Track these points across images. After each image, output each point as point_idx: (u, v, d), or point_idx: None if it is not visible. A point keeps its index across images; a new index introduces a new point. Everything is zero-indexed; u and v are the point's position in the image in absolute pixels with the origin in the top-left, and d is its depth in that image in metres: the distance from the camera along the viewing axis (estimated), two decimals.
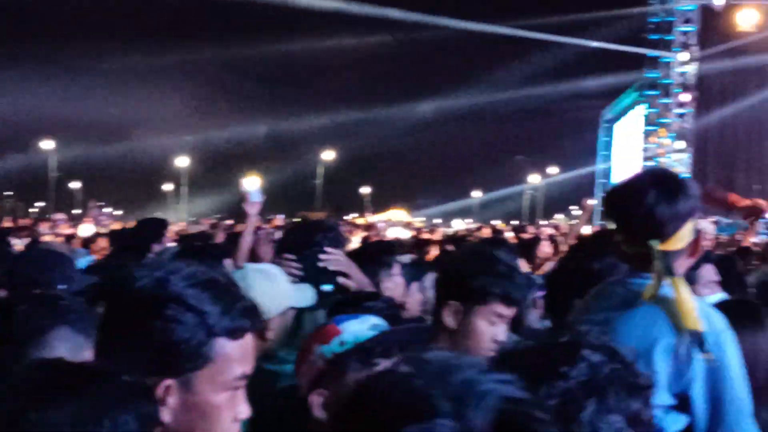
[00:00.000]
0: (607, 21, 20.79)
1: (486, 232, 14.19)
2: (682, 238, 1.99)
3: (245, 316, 1.30)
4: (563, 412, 1.10)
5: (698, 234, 2.05)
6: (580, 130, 31.33)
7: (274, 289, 2.42)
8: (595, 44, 19.94)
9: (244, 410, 1.31)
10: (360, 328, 1.83)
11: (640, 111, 23.35)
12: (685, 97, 20.61)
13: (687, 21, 20.66)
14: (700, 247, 2.05)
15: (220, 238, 7.33)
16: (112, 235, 7.79)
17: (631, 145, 24.84)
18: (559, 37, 20.37)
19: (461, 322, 2.19)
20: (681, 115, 20.91)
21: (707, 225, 18.06)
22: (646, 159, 22.64)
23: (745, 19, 19.54)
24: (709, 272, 3.91)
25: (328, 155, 42.72)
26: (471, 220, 37.80)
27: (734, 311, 2.22)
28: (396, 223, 19.47)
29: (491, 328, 2.18)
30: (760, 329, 2.22)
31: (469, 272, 2.21)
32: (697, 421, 1.90)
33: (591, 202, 7.12)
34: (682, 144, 20.60)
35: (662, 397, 1.88)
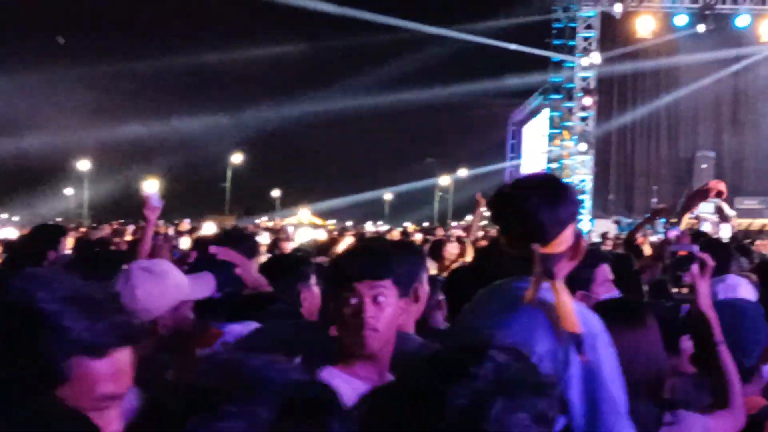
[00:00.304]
0: (514, 26, 21.21)
1: (395, 235, 14.30)
2: (562, 242, 2.01)
3: (111, 333, 1.24)
4: (472, 410, 1.13)
5: (579, 238, 2.07)
6: (489, 132, 31.81)
7: (161, 286, 2.33)
8: (499, 44, 20.24)
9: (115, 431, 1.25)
10: (241, 331, 1.81)
11: (546, 114, 23.89)
12: (587, 100, 21.18)
13: (588, 27, 21.24)
14: (581, 250, 2.07)
15: (123, 245, 7.17)
16: (6, 243, 7.53)
17: (537, 147, 25.40)
18: (466, 35, 20.62)
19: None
20: (583, 119, 21.46)
21: (609, 225, 18.65)
22: (550, 161, 23.16)
23: (643, 26, 20.23)
24: (604, 271, 4.01)
25: (237, 158, 42.26)
26: (382, 222, 38.03)
27: (618, 310, 2.34)
28: (304, 225, 19.39)
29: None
30: (641, 328, 2.28)
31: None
32: (575, 422, 1.92)
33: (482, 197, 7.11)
34: (584, 146, 21.14)
35: None
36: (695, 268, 2.61)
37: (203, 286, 2.48)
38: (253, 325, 1.89)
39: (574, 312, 1.92)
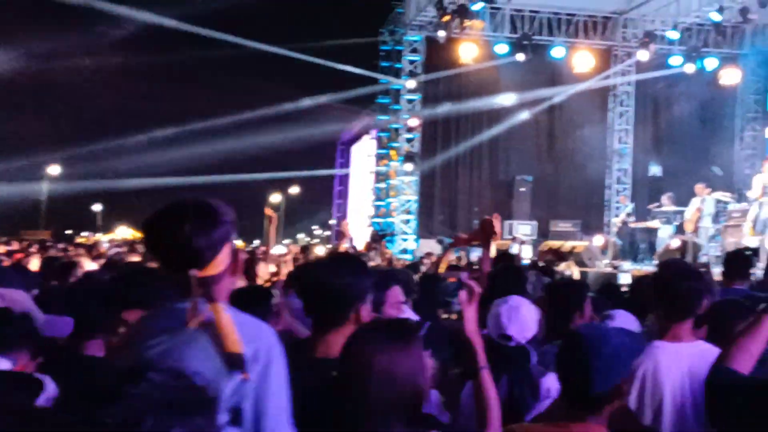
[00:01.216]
0: (344, 47, 21.34)
1: None
2: (219, 264, 2.09)
3: None
4: (125, 427, 1.20)
5: (236, 254, 2.15)
6: (321, 152, 31.79)
7: None
8: (329, 64, 20.29)
9: None
10: None
11: (373, 134, 24.21)
12: (413, 122, 21.61)
13: (414, 51, 21.70)
14: (240, 265, 2.16)
15: None
16: None
17: (365, 167, 25.68)
18: (294, 53, 20.54)
19: None
20: (410, 140, 21.87)
21: (434, 245, 19.06)
22: (378, 181, 23.43)
23: (466, 53, 20.89)
24: (395, 293, 4.02)
25: (54, 170, 40.18)
26: None
27: (388, 330, 2.35)
28: (122, 242, 18.61)
29: None
30: (404, 348, 2.27)
31: None
32: None
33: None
34: (410, 167, 21.53)
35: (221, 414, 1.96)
36: (462, 294, 2.65)
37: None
38: None
39: (235, 332, 1.98)
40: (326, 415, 2.21)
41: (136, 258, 11.45)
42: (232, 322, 2.00)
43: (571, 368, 2.54)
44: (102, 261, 10.48)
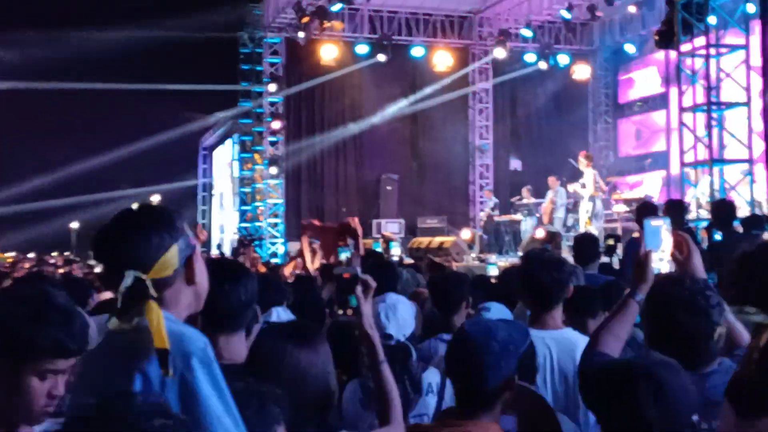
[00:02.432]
0: (203, 50, 20.86)
1: (75, 268, 13.42)
2: (166, 266, 2.06)
3: None
4: None
5: (190, 261, 2.12)
6: (181, 157, 31.02)
7: None
8: (189, 71, 19.80)
9: None
10: None
11: (236, 138, 23.82)
12: (276, 125, 21.40)
13: (275, 53, 21.50)
14: (194, 271, 2.13)
15: None
16: None
17: (229, 172, 25.25)
18: (154, 34, 19.92)
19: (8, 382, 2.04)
20: (273, 143, 21.66)
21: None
22: (243, 185, 23.09)
23: (327, 54, 20.88)
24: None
25: None
26: (69, 253, 35.67)
27: (295, 331, 2.38)
28: None
29: (45, 384, 2.05)
30: (313, 348, 2.30)
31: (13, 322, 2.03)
32: None
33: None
34: (275, 170, 21.32)
35: None
36: (358, 289, 2.66)
37: None
38: None
39: (164, 330, 1.94)
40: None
41: None
42: (163, 320, 1.97)
43: (461, 367, 2.56)
44: None
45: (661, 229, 2.97)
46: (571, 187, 17.35)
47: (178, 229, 2.11)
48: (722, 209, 8.39)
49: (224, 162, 26.66)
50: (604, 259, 8.63)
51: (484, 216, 19.59)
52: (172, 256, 2.07)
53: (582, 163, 16.75)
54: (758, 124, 13.16)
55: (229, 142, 25.14)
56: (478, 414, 2.53)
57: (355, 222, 5.50)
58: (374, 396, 2.63)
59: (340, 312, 2.72)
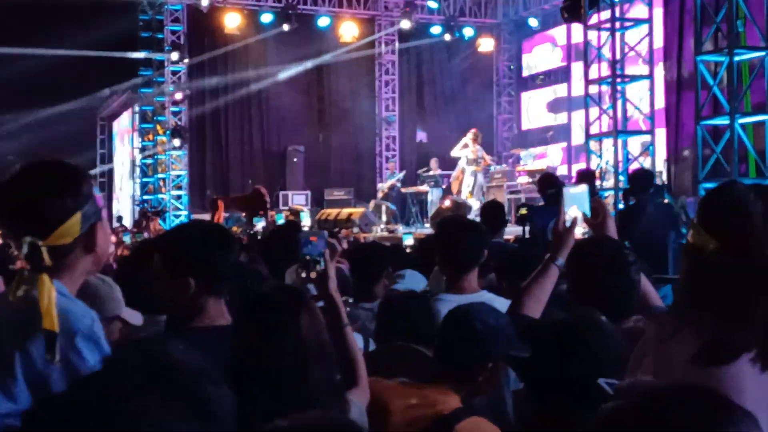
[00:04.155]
0: (103, 18, 19.93)
1: None
2: (66, 233, 1.93)
3: None
4: None
5: (93, 228, 1.99)
6: (77, 128, 29.94)
7: None
8: (87, 40, 18.98)
9: None
10: None
11: (136, 109, 23.11)
12: (179, 95, 20.85)
13: (176, 20, 20.88)
14: (96, 240, 2.00)
15: None
16: None
17: (129, 143, 24.52)
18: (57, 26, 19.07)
19: None
20: (176, 113, 21.11)
21: (206, 219, 18.58)
22: (145, 157, 22.48)
23: (231, 22, 20.43)
24: None
25: None
26: None
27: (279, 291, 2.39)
28: None
29: None
30: (303, 306, 2.28)
31: None
32: None
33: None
34: (178, 142, 20.78)
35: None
36: (326, 252, 2.69)
37: None
38: None
39: (54, 310, 1.83)
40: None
41: None
42: (54, 298, 1.84)
43: (451, 340, 2.64)
44: None
45: (585, 195, 3.11)
46: (457, 153, 17.86)
47: (84, 193, 1.97)
48: (639, 177, 8.62)
49: (124, 133, 25.85)
50: (517, 227, 8.75)
51: (386, 188, 19.55)
52: (75, 223, 1.94)
53: (470, 138, 17.42)
54: (660, 97, 13.55)
55: (128, 112, 24.34)
56: (441, 380, 2.63)
57: (263, 191, 5.39)
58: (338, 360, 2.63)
59: (303, 275, 2.71)
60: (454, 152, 18.02)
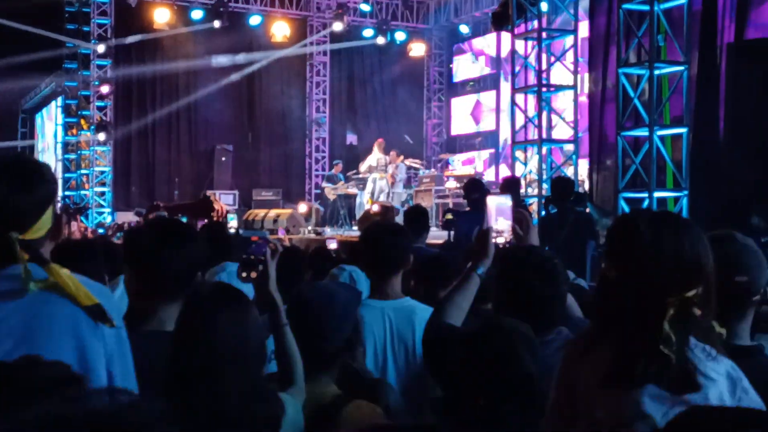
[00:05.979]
0: (29, 6, 19.36)
1: None
2: (43, 227, 1.99)
3: None
4: None
5: (58, 218, 2.08)
6: (3, 124, 29.08)
7: None
8: (11, 24, 18.40)
9: None
10: None
11: (60, 102, 22.56)
12: (105, 89, 20.42)
13: (103, 13, 20.47)
14: (61, 230, 2.11)
15: None
16: None
17: (52, 137, 23.92)
18: None
19: None
20: (101, 108, 20.68)
21: (131, 217, 18.26)
22: (68, 152, 21.95)
23: (160, 17, 20.11)
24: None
25: None
26: None
27: (221, 293, 2.33)
28: None
29: None
30: (241, 307, 2.28)
31: None
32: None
33: None
34: (103, 137, 20.36)
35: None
36: (268, 252, 2.70)
37: None
38: None
39: (82, 286, 1.93)
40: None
41: None
42: (74, 277, 1.93)
43: (303, 330, 2.68)
44: None
45: (509, 205, 3.18)
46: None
47: (54, 186, 2.05)
48: (559, 186, 8.74)
49: (46, 126, 25.20)
50: (443, 232, 8.82)
51: (341, 190, 19.28)
52: (49, 216, 2.01)
53: (380, 148, 17.59)
54: (584, 107, 13.86)
55: (52, 105, 23.74)
56: (318, 375, 2.67)
57: (214, 199, 5.35)
58: (276, 358, 2.65)
59: (244, 275, 2.69)
60: (362, 165, 18.29)
